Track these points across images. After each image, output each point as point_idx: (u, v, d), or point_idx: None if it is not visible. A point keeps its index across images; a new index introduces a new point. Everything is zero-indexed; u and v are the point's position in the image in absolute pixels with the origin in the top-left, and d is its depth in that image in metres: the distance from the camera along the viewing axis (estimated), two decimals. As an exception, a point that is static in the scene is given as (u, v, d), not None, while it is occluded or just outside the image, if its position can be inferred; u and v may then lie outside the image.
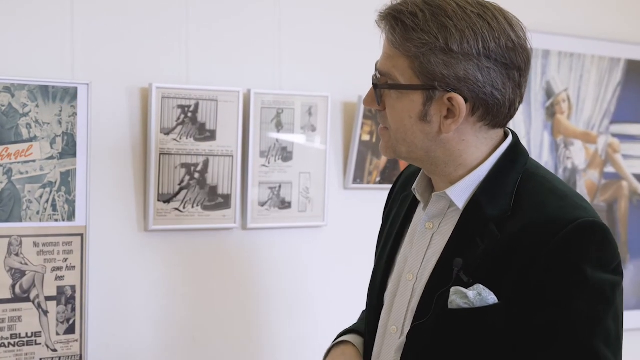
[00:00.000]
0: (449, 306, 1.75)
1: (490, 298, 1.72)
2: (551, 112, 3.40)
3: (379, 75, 1.81)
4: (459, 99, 1.73)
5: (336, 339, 2.08)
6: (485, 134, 1.80)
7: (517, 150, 1.84)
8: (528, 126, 3.33)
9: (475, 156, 1.80)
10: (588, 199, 3.49)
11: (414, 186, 1.91)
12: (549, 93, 3.39)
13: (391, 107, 1.79)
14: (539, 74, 3.36)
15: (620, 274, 1.74)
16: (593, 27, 3.54)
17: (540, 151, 3.36)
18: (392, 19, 1.75)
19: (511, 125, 3.21)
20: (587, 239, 1.70)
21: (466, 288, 1.73)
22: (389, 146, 1.84)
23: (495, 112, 1.77)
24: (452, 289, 1.74)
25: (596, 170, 3.53)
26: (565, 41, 3.42)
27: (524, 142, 3.22)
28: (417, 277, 1.84)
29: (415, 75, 1.74)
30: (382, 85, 1.79)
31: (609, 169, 3.56)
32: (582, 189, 3.47)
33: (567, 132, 3.45)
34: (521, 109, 3.24)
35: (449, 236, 1.81)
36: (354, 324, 2.13)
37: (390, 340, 1.87)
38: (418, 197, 1.90)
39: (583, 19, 3.52)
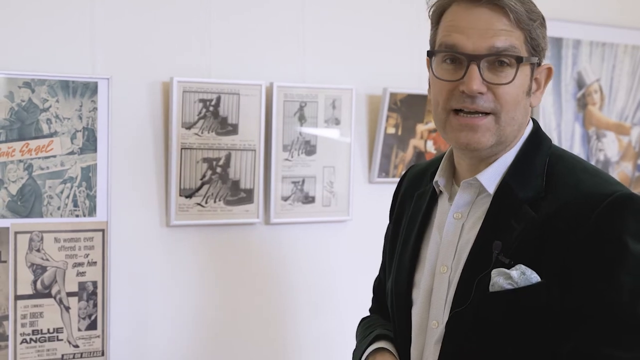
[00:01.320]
0: (491, 289, 1.77)
1: (534, 277, 1.74)
2: (582, 103, 3.41)
3: (506, 52, 1.79)
4: (548, 67, 1.85)
5: (364, 342, 2.07)
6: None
7: (540, 135, 1.89)
8: (559, 117, 3.34)
9: (521, 130, 1.86)
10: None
11: (435, 179, 1.93)
12: (580, 84, 3.40)
13: (513, 84, 1.80)
14: (570, 64, 3.37)
15: None
16: (626, 16, 3.54)
17: (571, 143, 3.37)
18: None
19: (541, 116, 3.25)
20: (626, 211, 1.73)
21: (508, 269, 1.76)
22: (493, 133, 1.82)
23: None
24: (494, 271, 1.77)
25: (630, 163, 3.53)
26: (597, 30, 3.43)
27: (554, 133, 3.25)
28: (451, 268, 1.86)
29: (527, 48, 1.80)
30: (527, 58, 1.80)
31: (643, 161, 3.57)
32: (614, 181, 3.48)
33: (599, 124, 3.46)
34: (551, 101, 3.26)
35: (480, 223, 1.84)
36: (380, 329, 2.12)
37: (432, 336, 1.89)
38: (442, 189, 1.93)
39: (615, 7, 3.52)
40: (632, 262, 1.72)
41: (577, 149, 3.37)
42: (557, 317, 1.74)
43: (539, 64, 1.82)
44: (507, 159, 1.85)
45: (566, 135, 3.35)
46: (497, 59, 1.78)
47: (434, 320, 1.88)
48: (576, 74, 3.39)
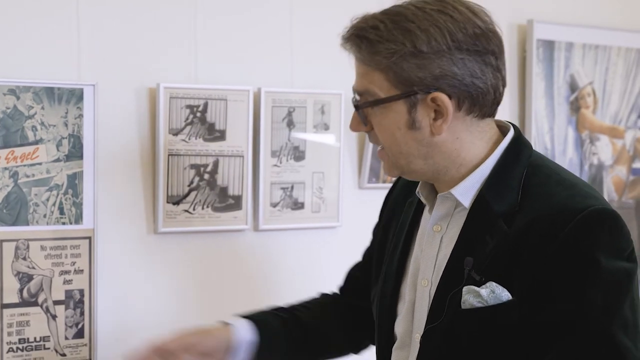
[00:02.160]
0: (462, 306, 1.79)
1: (504, 295, 1.76)
2: (575, 106, 3.45)
3: (358, 97, 1.87)
4: (442, 97, 1.78)
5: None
6: (477, 126, 1.85)
7: (519, 143, 1.89)
8: (551, 121, 3.38)
9: (473, 152, 1.85)
10: (615, 196, 3.53)
11: (417, 189, 1.97)
12: (572, 87, 3.44)
13: (378, 124, 1.85)
14: (562, 67, 3.40)
15: (634, 261, 1.78)
16: (619, 18, 3.57)
17: (564, 147, 3.40)
18: (355, 38, 1.83)
19: (533, 120, 3.28)
20: (598, 227, 1.74)
21: (478, 287, 1.78)
22: (390, 165, 1.89)
23: (481, 100, 1.82)
24: (465, 289, 1.79)
25: (624, 166, 3.57)
26: (590, 33, 3.47)
27: (546, 137, 3.29)
28: (431, 282, 1.89)
29: (393, 85, 1.80)
30: (364, 104, 1.85)
31: (638, 165, 3.60)
32: (609, 185, 3.51)
33: (593, 127, 3.49)
34: (544, 104, 3.30)
35: (457, 237, 1.86)
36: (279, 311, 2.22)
37: (416, 349, 1.91)
38: (423, 200, 1.96)
39: (609, 9, 3.55)
40: (605, 279, 1.72)
41: (570, 153, 3.40)
42: (529, 334, 1.76)
43: (414, 96, 1.79)
44: (483, 171, 1.85)
45: (559, 139, 3.39)
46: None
47: (417, 333, 1.90)
48: (569, 77, 3.43)
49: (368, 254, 2.30)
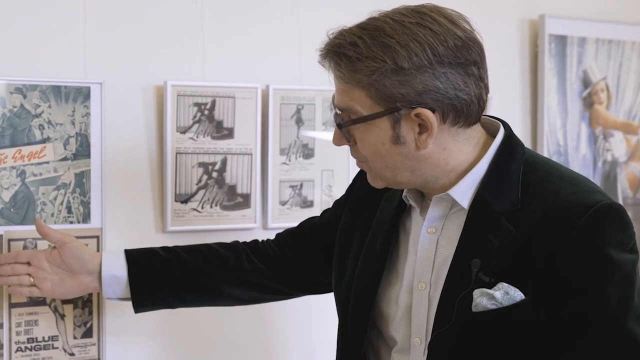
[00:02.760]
0: (473, 309, 1.80)
1: (518, 295, 1.77)
2: (589, 102, 3.45)
3: (339, 112, 1.86)
4: (426, 112, 1.78)
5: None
6: (464, 134, 1.85)
7: (512, 141, 1.90)
8: (564, 117, 3.38)
9: (461, 159, 1.86)
10: (630, 193, 3.54)
11: (404, 194, 1.97)
12: (585, 82, 3.44)
13: (361, 140, 1.85)
14: (575, 63, 3.41)
15: (636, 252, 1.81)
16: (633, 12, 3.57)
17: (577, 143, 3.41)
18: (334, 55, 1.82)
19: (546, 116, 3.29)
20: (608, 222, 1.76)
21: (489, 288, 1.79)
22: (375, 176, 1.90)
23: (466, 111, 1.82)
24: (476, 292, 1.80)
25: (638, 163, 3.57)
26: (603, 27, 3.47)
27: (559, 134, 3.29)
28: (430, 285, 1.90)
29: (375, 102, 1.80)
30: (346, 122, 1.85)
31: (653, 161, 3.61)
32: (623, 182, 3.52)
33: (606, 123, 3.50)
34: (557, 100, 3.30)
35: (456, 238, 1.87)
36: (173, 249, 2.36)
37: (417, 352, 1.92)
38: (412, 203, 1.96)
39: (622, 3, 3.55)
40: (618, 274, 1.75)
41: (583, 150, 3.41)
42: (546, 332, 1.77)
43: (397, 112, 1.79)
44: (479, 171, 1.86)
45: (572, 136, 3.40)
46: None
47: (417, 337, 1.91)
48: (582, 72, 3.43)
49: (310, 227, 2.32)
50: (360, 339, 2.00)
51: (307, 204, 2.90)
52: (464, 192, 1.86)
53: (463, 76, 1.79)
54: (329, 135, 2.90)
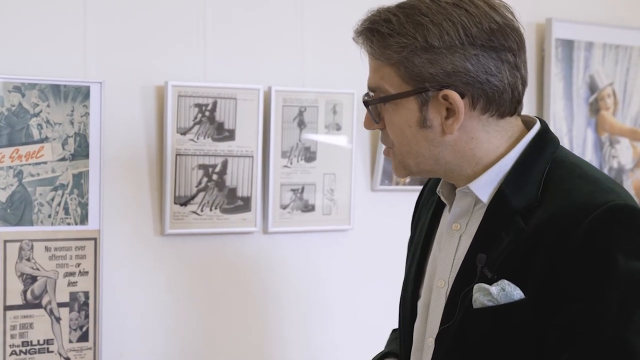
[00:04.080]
0: (474, 305, 1.80)
1: (516, 293, 1.76)
2: (595, 107, 3.48)
3: (371, 94, 1.88)
4: (453, 95, 1.78)
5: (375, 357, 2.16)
6: (496, 125, 1.84)
7: (545, 138, 1.87)
8: (570, 123, 3.41)
9: (489, 151, 1.85)
10: (637, 200, 3.55)
11: (438, 188, 1.97)
12: (592, 88, 3.46)
13: (390, 122, 1.85)
14: (582, 68, 3.43)
15: None
16: (641, 16, 3.60)
17: (583, 149, 3.43)
18: (367, 31, 1.83)
19: (552, 121, 3.31)
20: (617, 223, 1.72)
21: (490, 284, 1.78)
22: (398, 164, 1.90)
23: (498, 99, 1.81)
24: (475, 287, 1.79)
25: (645, 170, 3.60)
26: (610, 32, 3.50)
27: (565, 139, 3.31)
28: (447, 282, 1.89)
29: (404, 81, 1.80)
30: (374, 100, 1.86)
31: (659, 169, 3.63)
32: (629, 189, 3.53)
33: (613, 129, 3.52)
34: (563, 105, 3.33)
35: (474, 234, 1.86)
36: (386, 347, 2.21)
37: (428, 352, 1.92)
38: (443, 199, 1.96)
39: (630, 7, 3.58)
40: (622, 280, 1.71)
41: (589, 156, 3.43)
42: (543, 334, 1.76)
43: (425, 92, 1.80)
44: (504, 165, 1.84)
45: (578, 142, 3.42)
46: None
47: (430, 337, 1.91)
48: (588, 77, 3.45)
49: None
50: (407, 341, 2.02)
51: (309, 208, 2.93)
52: (484, 186, 1.85)
53: (496, 61, 1.79)
54: (331, 138, 2.93)
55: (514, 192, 1.81)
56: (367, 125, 1.92)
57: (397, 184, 3.08)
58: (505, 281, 1.77)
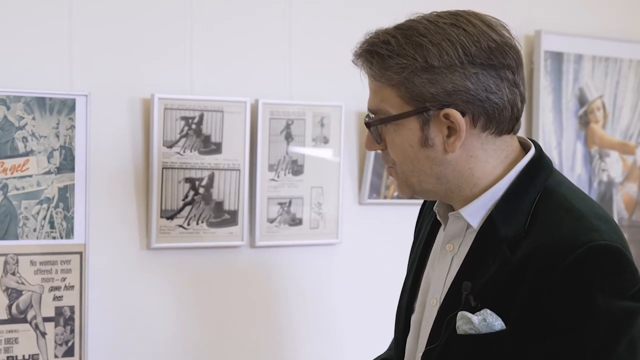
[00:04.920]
0: (457, 331, 1.84)
1: (497, 324, 1.80)
2: (584, 120, 3.51)
3: (371, 116, 1.91)
4: (454, 114, 1.82)
5: None
6: (493, 144, 1.87)
7: (538, 165, 1.91)
8: (559, 136, 3.44)
9: (487, 171, 1.88)
10: (625, 214, 3.59)
11: (435, 207, 2.01)
12: (581, 100, 3.50)
13: (391, 142, 1.89)
14: (571, 80, 3.47)
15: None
16: (630, 29, 3.63)
17: (572, 163, 3.46)
18: (367, 54, 1.87)
19: (540, 134, 3.35)
20: (597, 263, 1.76)
21: (473, 313, 1.82)
22: (402, 183, 1.93)
23: (498, 116, 1.85)
24: (459, 314, 1.83)
25: (635, 184, 3.63)
26: (600, 44, 3.53)
27: (554, 153, 3.35)
28: (439, 301, 1.93)
29: (405, 102, 1.84)
30: (375, 121, 1.89)
31: (649, 182, 3.67)
32: (619, 203, 3.57)
33: (602, 143, 3.56)
34: (552, 118, 3.37)
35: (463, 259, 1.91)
36: (385, 353, 2.25)
37: None
38: (439, 218, 2.00)
39: (619, 20, 3.62)
40: (601, 318, 1.74)
41: (578, 170, 3.46)
42: None
43: (426, 112, 1.83)
44: (496, 192, 1.88)
45: (567, 155, 3.45)
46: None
47: (420, 353, 1.94)
48: (578, 90, 3.49)
49: None
50: (400, 356, 2.06)
51: (296, 221, 2.95)
52: (475, 212, 1.89)
53: (495, 79, 1.83)
54: (318, 151, 2.96)
55: (503, 221, 1.85)
56: (369, 146, 1.95)
57: (385, 197, 3.11)
58: (488, 311, 1.81)
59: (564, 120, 3.46)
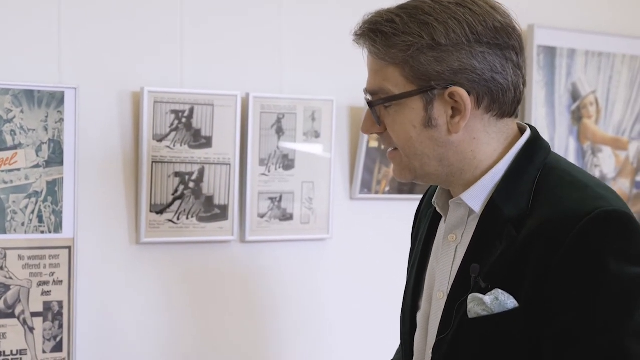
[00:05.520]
0: (469, 315, 1.83)
1: (510, 302, 1.80)
2: (577, 116, 3.53)
3: (370, 97, 1.90)
4: (461, 92, 1.82)
5: None
6: (495, 126, 1.87)
7: (536, 145, 1.91)
8: (552, 131, 3.46)
9: (488, 154, 1.89)
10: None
11: (434, 199, 2.01)
12: (574, 95, 3.52)
13: (392, 123, 1.88)
14: (564, 75, 3.49)
15: None
16: (624, 24, 3.65)
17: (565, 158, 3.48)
18: (370, 32, 1.86)
19: (533, 129, 3.35)
20: (607, 229, 1.75)
21: (484, 294, 1.82)
22: (403, 167, 1.92)
23: (502, 98, 1.85)
24: (470, 297, 1.83)
25: (627, 179, 3.65)
26: (593, 39, 3.55)
27: (547, 148, 3.36)
28: (446, 294, 1.92)
29: (409, 81, 1.84)
30: (378, 101, 1.88)
31: (642, 178, 3.69)
32: (612, 199, 3.58)
33: (595, 138, 3.57)
34: (544, 113, 3.38)
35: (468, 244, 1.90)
36: (393, 358, 2.25)
37: None
38: (439, 210, 2.00)
39: (613, 15, 3.63)
40: (614, 285, 1.74)
41: (571, 165, 3.47)
42: (537, 344, 1.79)
43: (431, 91, 1.83)
44: (495, 174, 1.88)
45: (560, 150, 3.46)
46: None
47: (430, 349, 1.94)
48: (570, 85, 3.51)
49: None
50: (409, 354, 2.06)
51: (287, 216, 2.97)
52: (476, 196, 1.89)
53: (501, 59, 1.84)
54: (310, 146, 2.97)
55: (505, 202, 1.85)
56: (367, 129, 1.94)
57: (377, 192, 3.12)
58: (499, 290, 1.81)
59: (556, 116, 3.48)
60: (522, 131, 1.94)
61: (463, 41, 1.81)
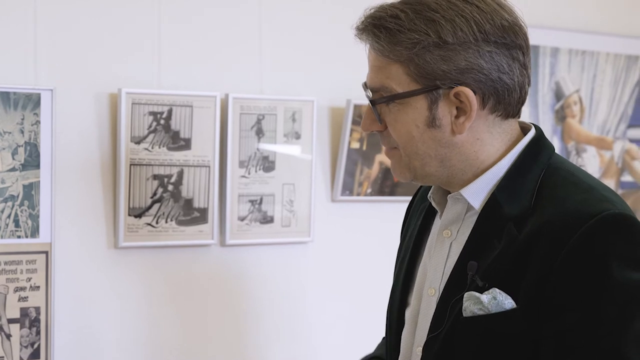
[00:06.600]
0: (464, 314, 1.83)
1: (507, 302, 1.80)
2: (561, 115, 3.56)
3: (371, 94, 1.89)
4: (466, 92, 1.82)
5: None
6: (499, 127, 1.87)
7: (540, 145, 1.90)
8: (535, 131, 3.48)
9: (490, 154, 1.88)
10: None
11: (430, 194, 2.00)
12: (558, 95, 3.55)
13: (394, 121, 1.88)
14: (547, 74, 3.52)
15: None
16: (607, 22, 3.68)
17: (549, 159, 3.51)
18: (373, 27, 1.84)
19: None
20: (611, 232, 1.74)
21: (481, 293, 1.82)
22: (402, 165, 1.91)
23: (507, 98, 1.85)
24: (466, 295, 1.83)
25: (612, 179, 3.68)
26: (577, 37, 3.58)
27: (530, 148, 3.38)
28: (438, 290, 1.92)
29: (413, 79, 1.83)
30: (381, 99, 1.87)
31: (626, 178, 3.72)
32: (596, 199, 3.61)
33: (579, 138, 3.60)
34: (528, 112, 3.41)
35: (465, 241, 1.90)
36: (374, 352, 2.25)
37: None
38: (434, 205, 2.00)
39: (596, 13, 3.66)
40: (617, 291, 1.75)
41: (555, 165, 3.50)
42: (535, 347, 1.80)
43: (436, 90, 1.83)
44: (497, 171, 1.88)
45: (544, 150, 3.49)
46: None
47: (419, 346, 1.94)
48: (554, 84, 3.54)
49: None
50: (394, 350, 2.06)
51: (267, 219, 2.99)
52: (477, 192, 1.89)
53: (508, 58, 1.84)
54: (290, 147, 2.99)
55: (507, 199, 1.85)
56: (367, 127, 1.93)
57: (359, 194, 3.14)
58: (497, 290, 1.81)
59: (540, 115, 3.50)
60: (525, 130, 1.94)
61: (470, 40, 1.81)
